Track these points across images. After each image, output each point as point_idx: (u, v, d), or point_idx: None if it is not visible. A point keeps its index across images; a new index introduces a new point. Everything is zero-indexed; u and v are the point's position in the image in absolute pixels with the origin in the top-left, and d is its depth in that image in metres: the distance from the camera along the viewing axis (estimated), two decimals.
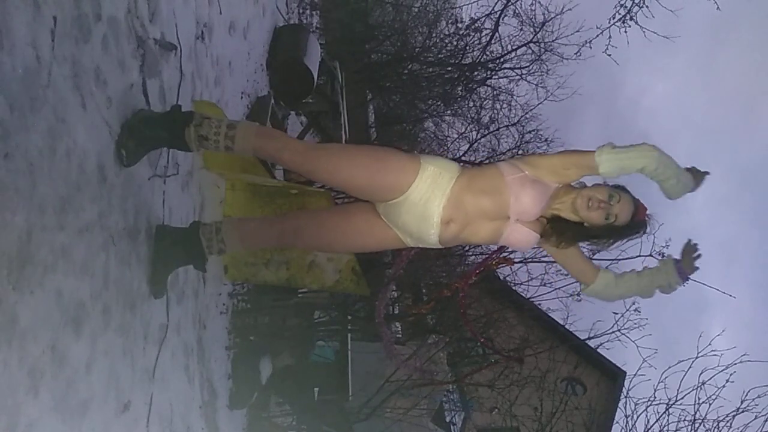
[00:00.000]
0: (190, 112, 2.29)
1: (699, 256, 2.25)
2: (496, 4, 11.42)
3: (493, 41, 11.81)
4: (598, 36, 10.46)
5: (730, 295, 6.42)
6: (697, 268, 2.27)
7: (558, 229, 2.23)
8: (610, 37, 10.24)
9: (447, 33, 12.62)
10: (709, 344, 5.58)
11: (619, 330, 6.59)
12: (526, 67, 12.05)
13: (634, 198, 2.19)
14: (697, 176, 2.17)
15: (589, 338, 7.16)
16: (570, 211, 2.21)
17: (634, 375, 6.23)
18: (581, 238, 2.27)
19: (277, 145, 2.26)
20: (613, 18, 10.18)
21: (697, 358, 5.62)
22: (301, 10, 8.80)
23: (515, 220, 2.21)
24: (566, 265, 2.44)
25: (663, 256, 2.44)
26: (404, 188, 2.18)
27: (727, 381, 5.63)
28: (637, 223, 2.19)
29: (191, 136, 2.20)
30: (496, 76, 12.33)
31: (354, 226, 2.38)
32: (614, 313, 6.56)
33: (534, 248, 2.57)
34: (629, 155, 2.08)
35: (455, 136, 12.98)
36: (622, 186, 2.21)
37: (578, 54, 11.12)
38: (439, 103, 12.90)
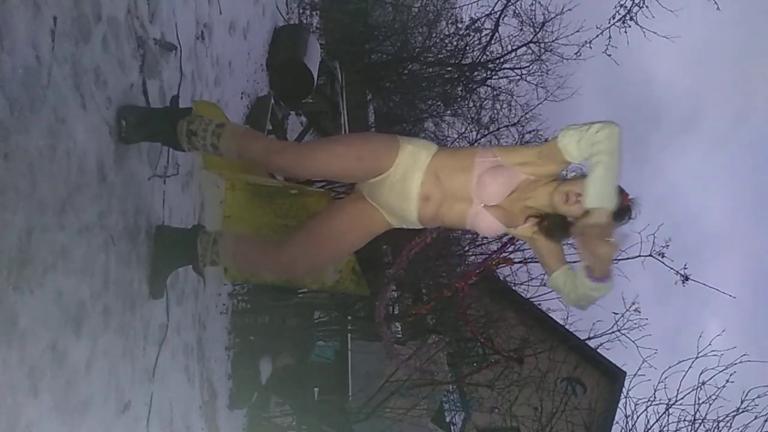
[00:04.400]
0: (189, 108, 2.31)
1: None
2: (496, 4, 11.42)
3: (493, 41, 11.81)
4: (598, 36, 10.49)
5: (730, 295, 6.43)
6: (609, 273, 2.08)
7: (550, 225, 2.22)
8: (610, 37, 10.26)
9: (447, 33, 12.61)
10: (709, 344, 5.59)
11: (619, 330, 6.60)
12: (526, 67, 12.04)
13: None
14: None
15: (589, 338, 7.17)
16: (549, 207, 2.18)
17: (634, 375, 6.24)
18: (570, 234, 2.22)
19: (262, 146, 2.30)
20: (613, 18, 10.19)
21: (697, 358, 5.63)
22: (301, 10, 8.79)
23: (479, 204, 2.21)
24: (537, 250, 2.38)
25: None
26: (387, 167, 2.24)
27: (727, 381, 5.64)
28: (621, 210, 2.14)
29: (182, 130, 2.23)
30: (496, 76, 12.32)
31: (344, 224, 2.41)
32: (614, 313, 6.58)
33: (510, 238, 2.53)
34: (588, 128, 2.02)
35: (455, 136, 12.99)
36: None
37: (578, 54, 11.13)
38: (439, 103, 12.89)
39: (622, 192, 2.15)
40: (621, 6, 10.10)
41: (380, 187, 2.29)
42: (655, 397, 5.99)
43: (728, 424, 5.78)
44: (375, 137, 2.34)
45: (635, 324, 6.47)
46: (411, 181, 2.23)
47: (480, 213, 2.23)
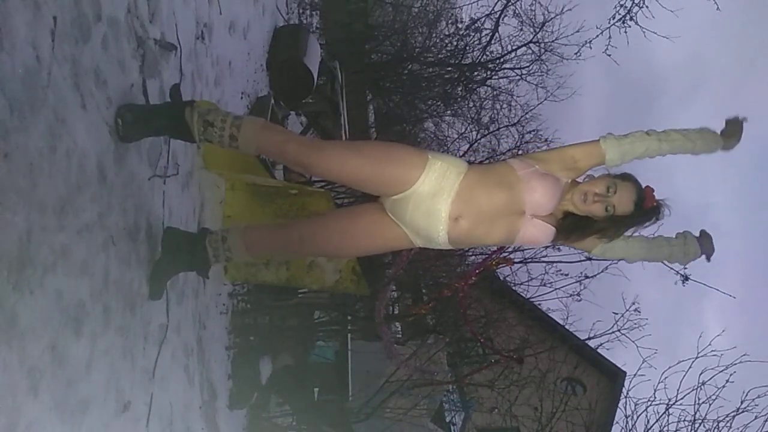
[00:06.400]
0: (191, 100, 2.29)
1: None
2: (496, 4, 11.45)
3: (493, 41, 11.83)
4: (598, 36, 10.51)
5: (730, 295, 6.44)
6: (713, 250, 2.33)
7: (568, 226, 2.24)
8: (610, 37, 10.30)
9: (447, 33, 12.64)
10: (709, 344, 5.59)
11: (619, 330, 6.61)
12: (526, 67, 12.06)
13: (639, 185, 2.17)
14: (731, 129, 2.23)
15: (589, 338, 7.17)
16: (574, 207, 2.22)
17: (634, 375, 6.25)
18: (589, 232, 2.26)
19: (282, 138, 2.24)
20: (613, 18, 10.22)
21: (697, 358, 5.63)
22: (301, 10, 8.80)
23: (531, 215, 2.19)
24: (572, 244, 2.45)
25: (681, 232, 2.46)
26: (411, 182, 2.15)
27: (727, 381, 5.64)
28: (646, 210, 2.17)
29: (194, 119, 2.17)
30: (496, 76, 12.34)
31: (360, 228, 2.34)
32: (614, 313, 6.58)
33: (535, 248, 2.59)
34: (630, 140, 2.17)
35: (455, 136, 12.99)
36: (626, 174, 2.20)
37: (578, 54, 11.15)
38: (439, 103, 12.90)
39: (648, 192, 2.17)
40: (621, 6, 10.13)
41: (403, 205, 2.21)
42: (655, 397, 5.99)
43: (728, 424, 5.79)
44: (401, 151, 2.21)
45: (635, 324, 6.49)
46: (440, 199, 2.15)
47: (533, 223, 2.21)
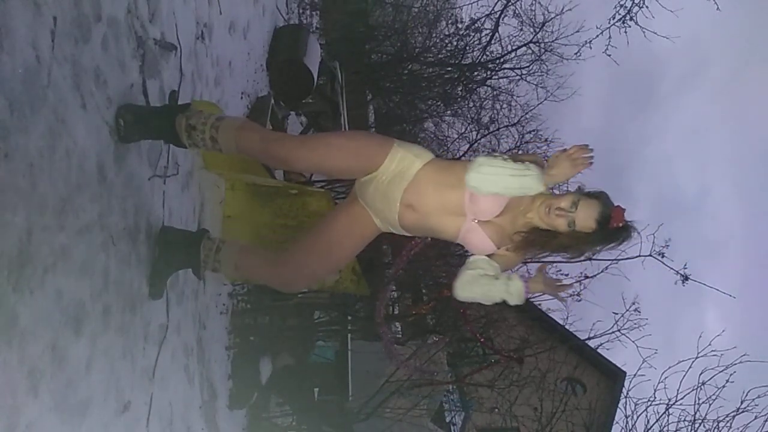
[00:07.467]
0: (187, 104, 2.31)
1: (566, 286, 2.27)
2: (496, 4, 11.45)
3: (493, 41, 11.83)
4: (598, 36, 10.52)
5: (730, 295, 6.45)
6: (565, 298, 2.32)
7: (533, 240, 2.19)
8: (610, 37, 10.30)
9: (447, 33, 12.64)
10: (709, 344, 5.59)
11: (619, 330, 6.61)
12: (526, 67, 12.07)
13: (606, 204, 2.09)
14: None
15: (589, 338, 7.17)
16: (539, 219, 2.16)
17: (634, 375, 6.25)
18: (551, 246, 2.21)
19: (261, 136, 2.29)
20: (613, 18, 10.22)
21: (697, 358, 5.63)
22: (301, 10, 8.79)
23: (472, 219, 2.19)
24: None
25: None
26: (376, 166, 2.24)
27: (727, 381, 5.64)
28: (612, 230, 2.08)
29: (182, 124, 2.22)
30: (496, 77, 12.34)
31: (339, 236, 2.40)
32: (614, 313, 6.59)
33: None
34: (485, 176, 2.09)
35: (455, 136, 13.00)
36: (596, 192, 2.12)
37: (578, 54, 11.16)
38: (439, 103, 12.91)
39: (617, 212, 2.08)
40: (621, 6, 10.14)
41: (367, 186, 2.31)
42: (655, 397, 5.99)
43: (728, 424, 5.79)
44: (371, 135, 2.36)
45: (635, 324, 6.49)
46: (396, 186, 2.23)
47: (472, 229, 2.20)
